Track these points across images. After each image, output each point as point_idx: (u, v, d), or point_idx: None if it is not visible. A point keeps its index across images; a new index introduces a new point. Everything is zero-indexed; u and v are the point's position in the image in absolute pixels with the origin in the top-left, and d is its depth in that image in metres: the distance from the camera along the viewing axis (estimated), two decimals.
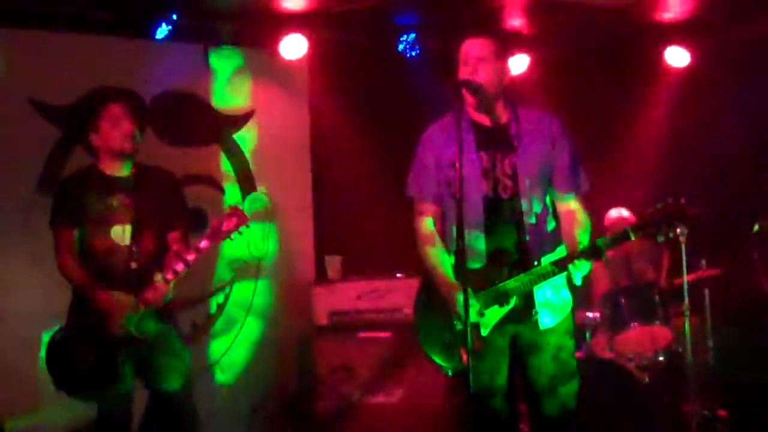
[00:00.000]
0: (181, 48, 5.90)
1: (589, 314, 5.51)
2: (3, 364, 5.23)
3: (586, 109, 6.17)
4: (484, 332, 3.49)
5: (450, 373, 3.59)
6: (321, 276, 6.08)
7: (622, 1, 5.82)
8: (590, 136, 5.26)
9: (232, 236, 4.13)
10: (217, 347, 6.03)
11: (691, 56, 6.42)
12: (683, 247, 5.07)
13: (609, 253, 3.43)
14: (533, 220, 3.56)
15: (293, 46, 6.02)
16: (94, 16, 5.55)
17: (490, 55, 3.56)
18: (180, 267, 4.04)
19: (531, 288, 3.48)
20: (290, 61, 6.12)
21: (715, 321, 5.52)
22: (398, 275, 5.71)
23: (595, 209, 3.77)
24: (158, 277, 4.03)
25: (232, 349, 6.06)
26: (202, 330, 5.99)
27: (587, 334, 5.54)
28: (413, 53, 6.26)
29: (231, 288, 6.12)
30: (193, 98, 6.06)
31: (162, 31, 5.63)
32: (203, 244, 4.09)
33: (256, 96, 6.27)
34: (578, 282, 3.46)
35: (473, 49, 3.57)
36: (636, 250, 6.00)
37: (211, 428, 5.56)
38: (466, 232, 3.20)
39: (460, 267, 3.13)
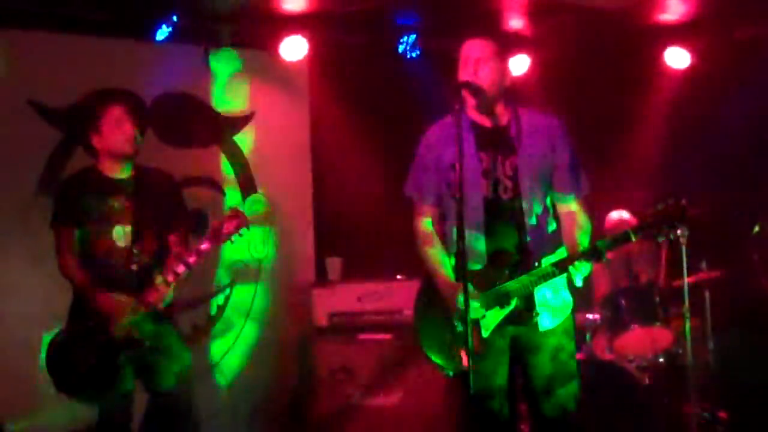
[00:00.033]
0: (181, 49, 5.89)
1: (590, 316, 5.50)
2: (3, 365, 5.22)
3: (587, 111, 6.17)
4: (484, 333, 3.48)
5: (450, 374, 3.58)
6: (321, 277, 6.07)
7: (623, 2, 5.82)
8: (590, 138, 5.26)
9: (233, 238, 4.13)
10: (217, 348, 6.03)
11: (691, 57, 6.42)
12: (683, 248, 5.07)
13: (609, 255, 3.44)
14: (534, 221, 3.55)
15: (293, 48, 6.01)
16: (94, 18, 5.54)
17: (490, 56, 3.56)
18: (181, 269, 4.04)
19: (532, 289, 3.47)
20: (290, 63, 6.11)
21: (716, 322, 5.50)
22: (398, 277, 5.72)
23: (595, 211, 3.77)
24: (159, 278, 4.03)
25: (232, 350, 6.06)
26: (203, 331, 5.98)
27: (587, 336, 5.54)
28: (413, 54, 6.26)
29: (231, 290, 6.12)
30: (193, 100, 6.06)
31: (162, 32, 5.64)
32: (204, 246, 4.09)
33: (257, 97, 6.26)
34: (579, 283, 3.46)
35: (474, 50, 3.57)
36: (636, 252, 5.98)
37: (212, 429, 5.57)
38: (466, 233, 3.19)
39: (460, 268, 3.12)
